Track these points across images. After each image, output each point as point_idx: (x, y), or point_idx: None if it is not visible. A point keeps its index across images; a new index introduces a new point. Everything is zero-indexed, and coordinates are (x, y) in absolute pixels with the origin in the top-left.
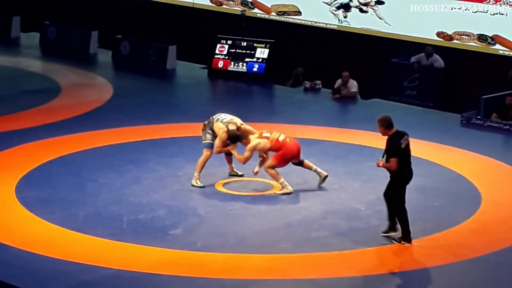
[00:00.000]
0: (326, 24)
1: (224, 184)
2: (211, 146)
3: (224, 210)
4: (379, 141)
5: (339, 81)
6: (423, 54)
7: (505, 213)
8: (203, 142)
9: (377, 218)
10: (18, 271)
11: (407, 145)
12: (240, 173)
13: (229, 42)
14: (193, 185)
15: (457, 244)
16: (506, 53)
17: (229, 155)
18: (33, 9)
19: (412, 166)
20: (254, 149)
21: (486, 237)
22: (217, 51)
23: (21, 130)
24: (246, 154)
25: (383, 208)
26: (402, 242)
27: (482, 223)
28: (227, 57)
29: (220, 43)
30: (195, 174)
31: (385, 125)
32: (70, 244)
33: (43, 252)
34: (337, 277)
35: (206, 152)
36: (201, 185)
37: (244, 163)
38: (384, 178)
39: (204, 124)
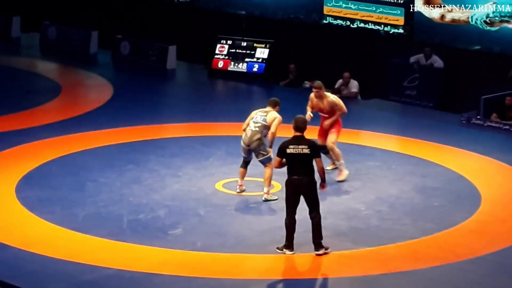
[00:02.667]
0: (326, 24)
1: (224, 184)
2: (270, 159)
3: (224, 210)
4: (379, 141)
5: (340, 82)
6: (422, 54)
7: (505, 213)
8: (263, 158)
9: (377, 218)
10: (18, 271)
11: (298, 154)
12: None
13: (229, 42)
14: (268, 200)
15: (457, 244)
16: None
17: (244, 168)
18: (33, 9)
19: (412, 166)
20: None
21: (486, 237)
22: (217, 51)
23: (21, 130)
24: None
25: (383, 208)
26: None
27: (482, 223)
28: (227, 57)
29: (220, 43)
30: (265, 190)
31: (293, 125)
32: (70, 244)
33: (43, 252)
34: (337, 277)
35: (269, 166)
36: (275, 197)
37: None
38: (383, 178)
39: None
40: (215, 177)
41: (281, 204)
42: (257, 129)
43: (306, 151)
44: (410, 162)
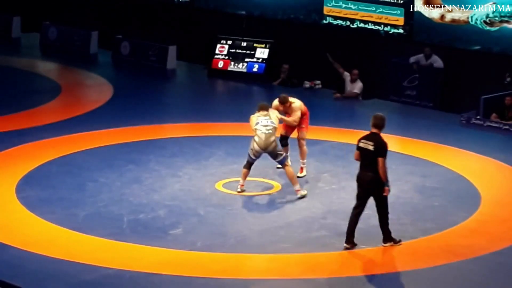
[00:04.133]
0: (326, 24)
1: (224, 184)
2: (286, 158)
3: (224, 210)
4: None
5: (348, 77)
6: (421, 55)
7: (505, 213)
8: (281, 158)
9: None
10: (18, 271)
11: (364, 149)
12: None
13: (229, 42)
14: (302, 196)
15: (457, 244)
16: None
17: (248, 168)
18: (33, 9)
19: (412, 166)
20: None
21: (486, 237)
22: (217, 51)
23: (21, 130)
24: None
25: None
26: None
27: (482, 223)
28: (227, 57)
29: (220, 43)
30: (297, 187)
31: (371, 121)
32: (70, 244)
33: (43, 252)
34: (337, 277)
35: (288, 164)
36: (305, 192)
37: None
38: None
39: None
40: (215, 177)
41: (281, 204)
42: (270, 131)
43: (371, 148)
44: (410, 162)
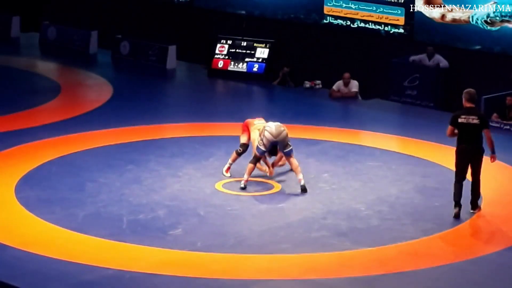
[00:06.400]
0: (327, 24)
1: (224, 184)
2: (292, 150)
3: (224, 210)
4: (379, 141)
5: (339, 82)
6: (424, 54)
7: (505, 213)
8: (289, 149)
9: (377, 218)
10: (18, 271)
11: (468, 124)
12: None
13: (229, 42)
14: (304, 187)
15: (457, 244)
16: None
17: (255, 164)
18: (33, 9)
19: (412, 166)
20: None
21: (486, 237)
22: (217, 51)
23: (21, 130)
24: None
25: (383, 208)
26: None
27: (483, 224)
28: (227, 57)
29: (220, 43)
30: (300, 176)
31: (466, 97)
32: (70, 244)
33: (43, 252)
34: (337, 277)
35: (293, 156)
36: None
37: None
38: (383, 178)
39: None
40: (215, 177)
41: (281, 204)
42: (279, 123)
43: (476, 121)
44: (410, 162)
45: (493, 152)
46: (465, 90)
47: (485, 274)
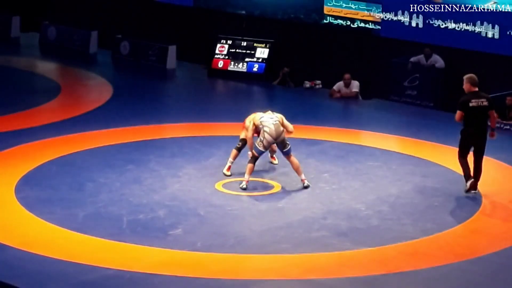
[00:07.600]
0: (327, 24)
1: (224, 184)
2: (291, 149)
3: (224, 210)
4: (379, 141)
5: (340, 83)
6: (422, 55)
7: (505, 213)
8: (288, 148)
9: (377, 218)
10: (18, 271)
11: (478, 107)
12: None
13: (229, 42)
14: (308, 186)
15: (457, 244)
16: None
17: (254, 163)
18: (33, 9)
19: (412, 166)
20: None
21: (486, 237)
22: (217, 51)
23: (21, 130)
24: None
25: (383, 208)
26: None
27: (482, 223)
28: (227, 57)
29: (220, 43)
30: (303, 177)
31: (470, 81)
32: (70, 244)
33: (43, 252)
34: (337, 277)
35: (292, 155)
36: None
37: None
38: (383, 178)
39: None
40: (215, 177)
41: (281, 204)
42: (277, 122)
43: (486, 103)
44: (410, 162)
45: (493, 129)
46: (466, 76)
47: (485, 274)
